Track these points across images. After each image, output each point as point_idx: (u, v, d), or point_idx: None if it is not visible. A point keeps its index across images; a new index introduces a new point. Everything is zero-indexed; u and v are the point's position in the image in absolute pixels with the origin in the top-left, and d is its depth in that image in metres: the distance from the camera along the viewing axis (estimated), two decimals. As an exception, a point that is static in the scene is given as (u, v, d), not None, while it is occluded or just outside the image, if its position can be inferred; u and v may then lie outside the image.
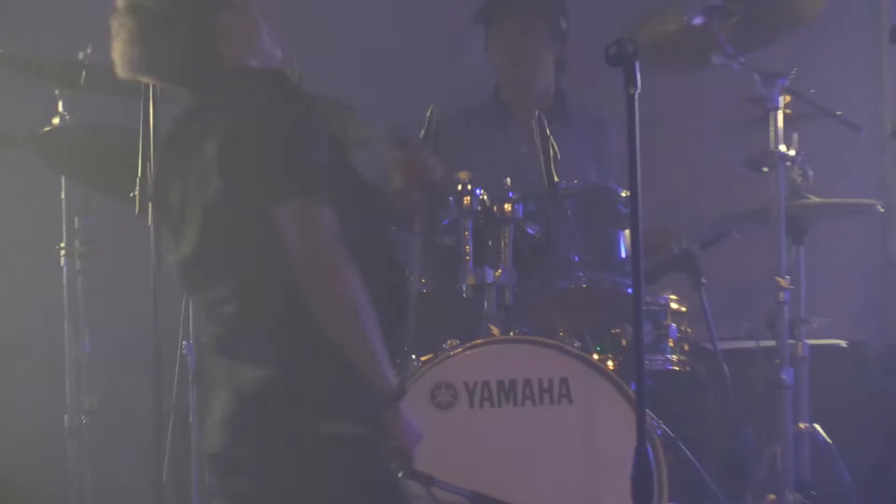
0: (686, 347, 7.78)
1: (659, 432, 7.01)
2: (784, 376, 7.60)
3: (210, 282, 5.56)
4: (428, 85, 8.89)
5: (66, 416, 7.66)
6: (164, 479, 7.22)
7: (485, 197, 7.40)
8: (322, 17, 9.65)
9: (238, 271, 5.47)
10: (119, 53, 5.63)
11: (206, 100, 5.65)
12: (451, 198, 7.56)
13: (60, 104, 7.63)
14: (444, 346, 7.20)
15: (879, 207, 8.34)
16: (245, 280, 5.48)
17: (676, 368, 7.73)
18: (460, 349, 7.14)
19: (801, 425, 7.76)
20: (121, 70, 5.65)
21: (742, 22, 7.90)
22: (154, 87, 7.07)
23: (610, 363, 7.33)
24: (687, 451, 7.30)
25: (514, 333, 7.25)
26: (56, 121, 7.63)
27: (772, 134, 7.61)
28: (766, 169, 7.66)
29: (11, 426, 8.70)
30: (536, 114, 7.74)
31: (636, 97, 5.92)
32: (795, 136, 7.68)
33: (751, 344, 8.08)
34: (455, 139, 7.79)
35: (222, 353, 5.60)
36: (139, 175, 6.90)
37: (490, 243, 7.44)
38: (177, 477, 7.44)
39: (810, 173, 7.84)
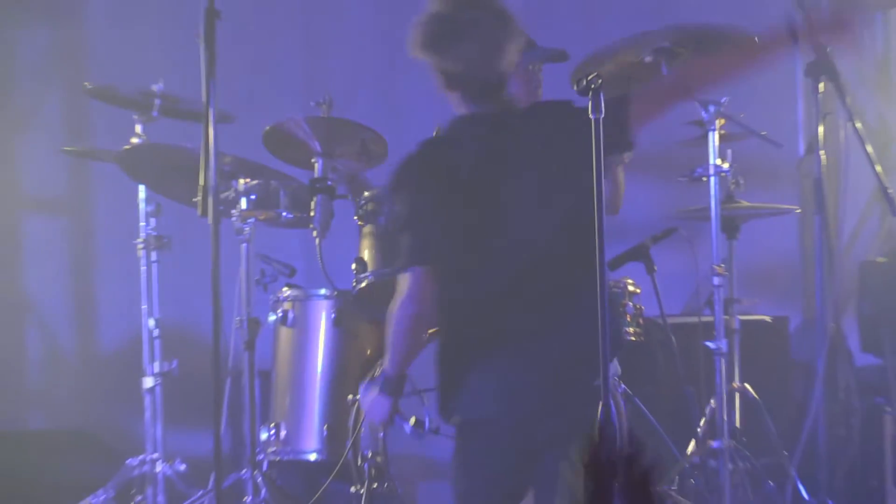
0: (641, 322, 7.65)
1: (620, 390, 6.93)
2: (720, 345, 7.57)
3: None
4: (429, 108, 8.54)
5: (143, 379, 7.63)
6: (221, 428, 6.84)
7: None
8: (349, 55, 9.29)
9: None
10: None
11: None
12: None
13: (138, 127, 7.60)
14: None
15: (797, 210, 8.50)
16: None
17: (633, 339, 7.55)
18: None
19: (734, 385, 7.76)
20: None
21: (685, 60, 7.67)
22: (211, 111, 6.67)
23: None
24: (642, 406, 7.27)
25: None
26: (134, 140, 7.62)
27: (710, 150, 7.53)
28: (705, 178, 7.56)
29: (101, 386, 8.62)
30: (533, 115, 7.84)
31: (600, 121, 5.83)
32: (729, 151, 7.63)
33: (693, 319, 7.98)
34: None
35: None
36: (201, 184, 6.56)
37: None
38: (232, 426, 7.55)
39: (741, 182, 7.81)
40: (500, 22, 5.61)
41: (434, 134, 6.61)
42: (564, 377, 5.50)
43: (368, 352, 7.63)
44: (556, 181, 5.59)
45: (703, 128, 7.60)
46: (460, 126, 5.69)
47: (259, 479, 7.18)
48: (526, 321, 5.47)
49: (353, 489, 7.07)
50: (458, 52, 5.55)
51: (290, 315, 7.63)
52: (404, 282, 5.48)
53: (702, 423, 7.70)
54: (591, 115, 5.35)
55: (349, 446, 7.18)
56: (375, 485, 6.97)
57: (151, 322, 7.70)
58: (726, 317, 7.74)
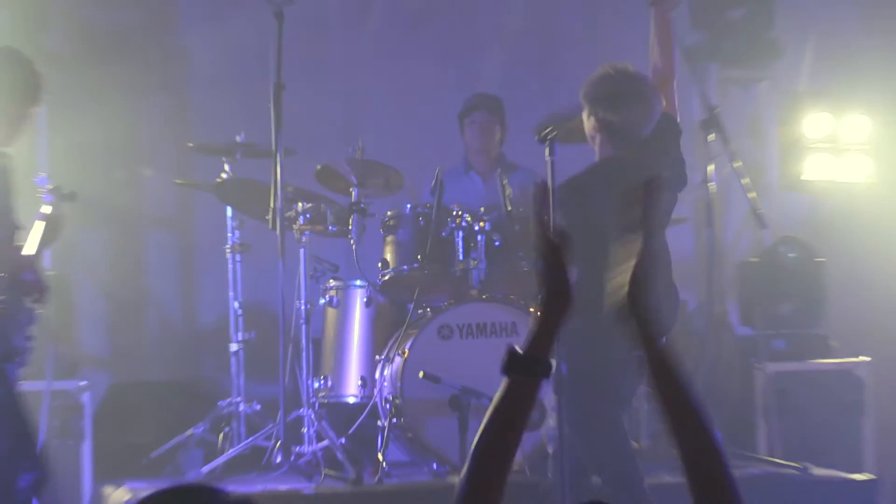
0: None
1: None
2: None
3: None
4: (433, 152, 8.58)
5: (230, 344, 7.75)
6: (286, 379, 7.34)
7: (469, 218, 7.49)
8: (371, 110, 9.23)
9: None
10: None
11: None
12: (449, 219, 7.57)
13: (226, 166, 7.71)
14: (444, 303, 7.40)
15: (687, 219, 8.15)
16: None
17: None
18: (454, 305, 7.32)
19: None
20: None
21: None
22: (279, 156, 7.24)
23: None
24: None
25: (485, 297, 7.38)
26: (224, 175, 7.71)
27: None
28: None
29: (200, 349, 8.61)
30: (498, 171, 7.89)
31: (554, 162, 6.00)
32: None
33: None
34: (450, 186, 7.81)
35: None
36: (272, 206, 7.13)
37: (471, 244, 7.49)
38: (293, 378, 7.51)
39: None
40: (654, 95, 5.91)
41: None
42: None
43: (390, 327, 7.80)
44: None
45: None
46: (610, 163, 5.91)
47: (312, 416, 7.33)
48: None
49: (378, 423, 7.31)
50: (624, 110, 5.84)
51: (335, 299, 7.83)
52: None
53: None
54: (547, 158, 6.00)
55: (376, 393, 7.45)
56: (394, 420, 7.13)
57: (236, 304, 7.76)
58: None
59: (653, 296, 2.84)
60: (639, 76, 6.07)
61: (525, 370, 2.78)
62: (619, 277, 2.87)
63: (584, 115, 6.14)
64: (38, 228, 6.12)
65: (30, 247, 6.12)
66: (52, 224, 6.17)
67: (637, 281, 2.82)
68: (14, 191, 6.15)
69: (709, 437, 2.74)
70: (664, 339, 2.83)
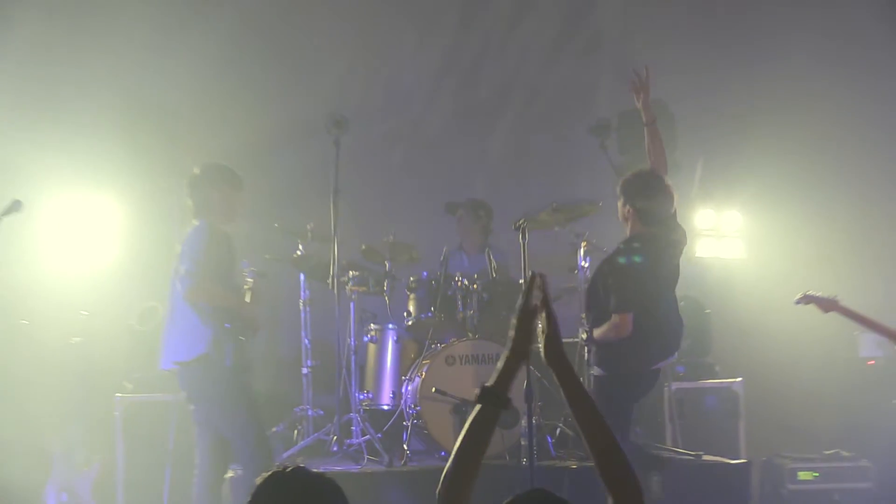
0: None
1: (536, 374, 6.48)
2: (584, 353, 6.82)
3: None
4: (442, 236, 8.26)
5: (302, 368, 7.53)
6: (340, 394, 7.32)
7: (466, 282, 7.45)
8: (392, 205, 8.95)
9: None
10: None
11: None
12: (452, 282, 7.47)
13: (300, 245, 7.57)
14: (450, 341, 7.25)
15: None
16: None
17: (540, 348, 7.08)
18: (457, 342, 7.19)
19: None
20: None
21: (570, 213, 7.25)
22: (336, 239, 7.17)
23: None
24: (548, 385, 6.86)
25: (477, 336, 7.26)
26: (298, 252, 7.58)
27: (579, 258, 7.29)
28: (575, 271, 7.37)
29: (281, 372, 8.11)
30: (486, 250, 7.89)
31: (525, 244, 5.99)
32: (589, 258, 7.26)
33: (576, 339, 6.89)
34: (452, 260, 7.83)
35: None
36: (331, 273, 7.19)
37: (468, 300, 7.44)
38: (345, 395, 7.36)
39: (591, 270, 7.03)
40: (671, 188, 5.80)
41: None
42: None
43: (412, 356, 7.68)
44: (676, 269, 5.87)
45: (575, 244, 7.42)
46: (643, 235, 5.73)
47: (358, 418, 7.23)
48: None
49: (404, 423, 7.19)
50: (654, 199, 5.72)
51: (374, 337, 7.74)
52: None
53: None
54: (520, 241, 6.00)
55: (403, 402, 7.34)
56: (415, 421, 7.06)
57: (307, 340, 7.57)
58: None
59: (561, 349, 2.79)
60: (660, 175, 5.88)
61: (490, 401, 2.76)
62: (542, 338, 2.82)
63: (620, 203, 5.88)
64: (248, 293, 6.14)
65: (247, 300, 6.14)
66: (256, 290, 6.17)
67: (550, 341, 2.80)
68: (235, 259, 6.10)
69: (610, 435, 2.71)
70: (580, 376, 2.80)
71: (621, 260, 5.77)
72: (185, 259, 5.82)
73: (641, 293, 5.68)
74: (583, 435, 2.73)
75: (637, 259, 5.75)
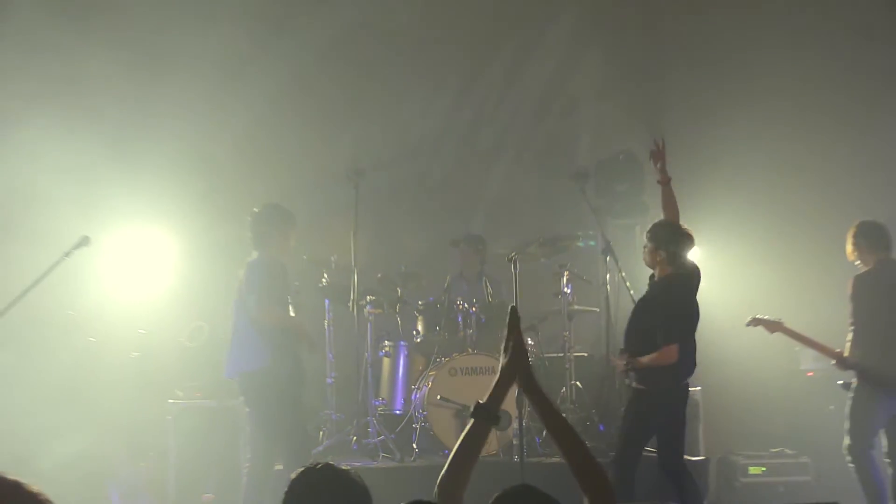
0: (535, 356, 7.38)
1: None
2: (567, 366, 7.36)
3: None
4: (446, 266, 8.28)
5: (326, 378, 7.43)
6: (360, 399, 7.28)
7: (466, 305, 7.51)
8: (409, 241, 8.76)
9: None
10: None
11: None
12: (454, 306, 7.51)
13: (325, 275, 7.46)
14: (452, 356, 7.23)
15: (598, 310, 7.79)
16: None
17: (529, 360, 7.14)
18: (458, 356, 7.19)
19: (575, 382, 7.40)
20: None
21: (554, 247, 7.48)
22: (355, 270, 7.11)
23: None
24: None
25: (475, 352, 7.24)
26: (324, 280, 7.47)
27: (562, 285, 7.38)
28: (560, 296, 7.39)
29: (308, 382, 6.83)
30: (483, 278, 7.92)
31: (517, 274, 6.21)
32: (570, 285, 7.36)
33: (560, 355, 7.52)
34: (454, 286, 7.91)
35: None
36: (352, 298, 7.14)
37: (468, 321, 7.49)
38: (363, 402, 7.30)
39: (572, 295, 7.45)
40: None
41: None
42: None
43: (420, 368, 7.62)
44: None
45: (559, 273, 7.44)
46: (676, 276, 5.67)
47: (374, 421, 7.20)
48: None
49: (413, 425, 7.15)
50: (681, 244, 5.66)
51: (388, 352, 7.70)
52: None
53: (562, 391, 7.34)
54: (512, 271, 6.13)
55: (412, 408, 7.29)
56: (423, 424, 7.04)
57: (330, 355, 7.48)
58: (568, 354, 7.42)
59: (536, 378, 2.77)
60: (681, 224, 5.87)
61: (482, 417, 2.76)
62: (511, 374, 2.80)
63: (649, 249, 5.81)
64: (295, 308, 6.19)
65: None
66: (298, 305, 6.26)
67: (523, 372, 2.78)
68: (290, 284, 6.12)
69: (583, 445, 2.69)
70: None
71: (664, 298, 5.73)
72: (253, 288, 5.89)
73: (682, 326, 5.70)
74: (559, 445, 2.72)
75: (676, 297, 5.73)
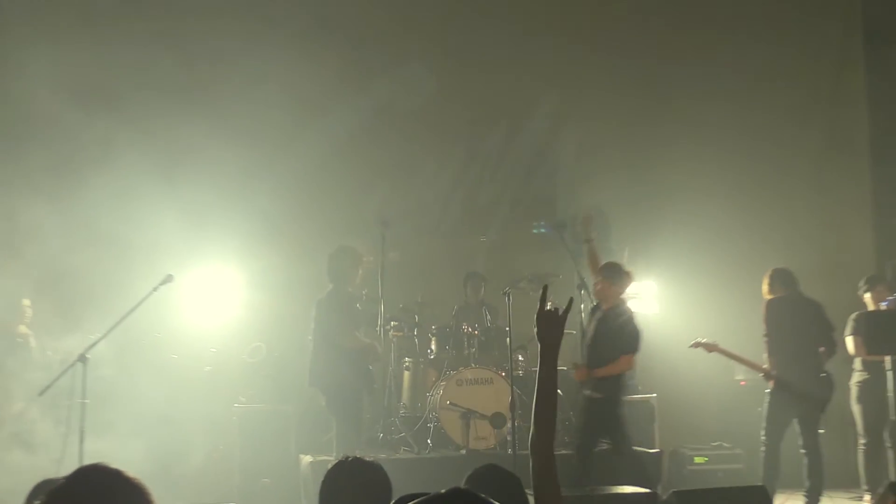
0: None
1: (517, 392, 6.46)
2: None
3: None
4: (455, 297, 8.09)
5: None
6: (385, 403, 7.12)
7: (470, 329, 7.39)
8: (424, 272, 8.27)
9: None
10: None
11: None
12: (461, 329, 7.39)
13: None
14: (459, 369, 7.10)
15: (575, 332, 6.90)
16: None
17: (520, 374, 7.00)
18: (464, 369, 7.05)
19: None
20: None
21: (540, 282, 7.03)
22: (382, 299, 7.01)
23: (502, 374, 6.90)
24: (527, 400, 6.39)
25: (478, 366, 7.10)
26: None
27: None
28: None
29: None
30: (483, 307, 7.85)
31: (510, 304, 6.11)
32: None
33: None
34: (460, 316, 7.83)
35: None
36: (379, 324, 7.06)
37: (472, 341, 7.34)
38: (389, 405, 7.16)
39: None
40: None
41: None
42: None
43: (433, 379, 7.41)
44: None
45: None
46: (624, 304, 5.78)
47: (397, 420, 7.09)
48: None
49: (428, 425, 6.99)
50: (626, 280, 5.80)
51: (408, 367, 7.55)
52: None
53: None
54: (507, 302, 6.01)
55: (427, 410, 7.15)
56: (436, 423, 6.90)
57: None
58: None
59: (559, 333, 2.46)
60: (624, 266, 5.97)
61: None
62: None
63: (600, 282, 5.86)
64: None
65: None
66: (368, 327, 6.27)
67: (549, 321, 2.50)
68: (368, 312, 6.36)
69: (551, 437, 2.49)
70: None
71: (621, 319, 5.78)
72: (332, 314, 5.98)
73: (636, 339, 5.80)
74: (537, 432, 2.49)
75: (628, 318, 5.85)
